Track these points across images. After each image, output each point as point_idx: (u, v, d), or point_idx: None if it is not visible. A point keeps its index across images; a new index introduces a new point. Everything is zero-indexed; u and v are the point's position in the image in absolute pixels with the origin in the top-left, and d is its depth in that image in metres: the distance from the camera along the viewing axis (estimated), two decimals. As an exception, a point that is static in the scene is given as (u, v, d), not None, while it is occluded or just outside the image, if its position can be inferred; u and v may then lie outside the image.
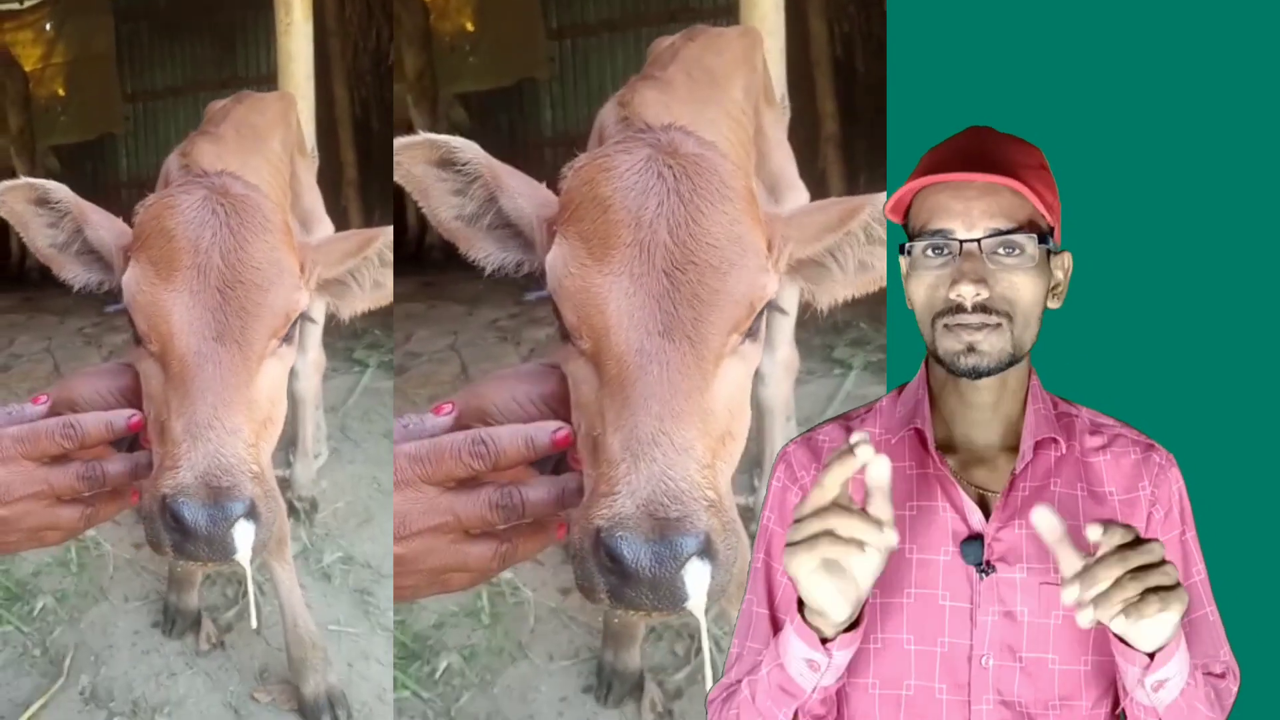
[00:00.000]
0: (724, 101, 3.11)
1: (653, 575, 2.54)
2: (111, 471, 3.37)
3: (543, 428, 2.83)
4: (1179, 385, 2.67)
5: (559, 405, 2.91)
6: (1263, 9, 2.77)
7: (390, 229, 3.51)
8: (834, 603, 1.54)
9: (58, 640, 4.06)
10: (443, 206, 2.92)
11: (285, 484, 3.94)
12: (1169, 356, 2.70)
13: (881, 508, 1.51)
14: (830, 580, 1.52)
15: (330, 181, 4.01)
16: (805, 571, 1.51)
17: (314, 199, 3.89)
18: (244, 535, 3.09)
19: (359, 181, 4.08)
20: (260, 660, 3.91)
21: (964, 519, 1.76)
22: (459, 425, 2.90)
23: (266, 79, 4.10)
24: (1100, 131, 2.74)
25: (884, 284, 2.92)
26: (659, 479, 2.55)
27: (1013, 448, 1.79)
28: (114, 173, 4.38)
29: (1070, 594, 1.48)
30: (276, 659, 3.87)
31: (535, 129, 3.80)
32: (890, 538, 1.49)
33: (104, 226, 3.44)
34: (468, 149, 2.91)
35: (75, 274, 3.47)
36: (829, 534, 1.49)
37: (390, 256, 3.47)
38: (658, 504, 2.54)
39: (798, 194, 3.19)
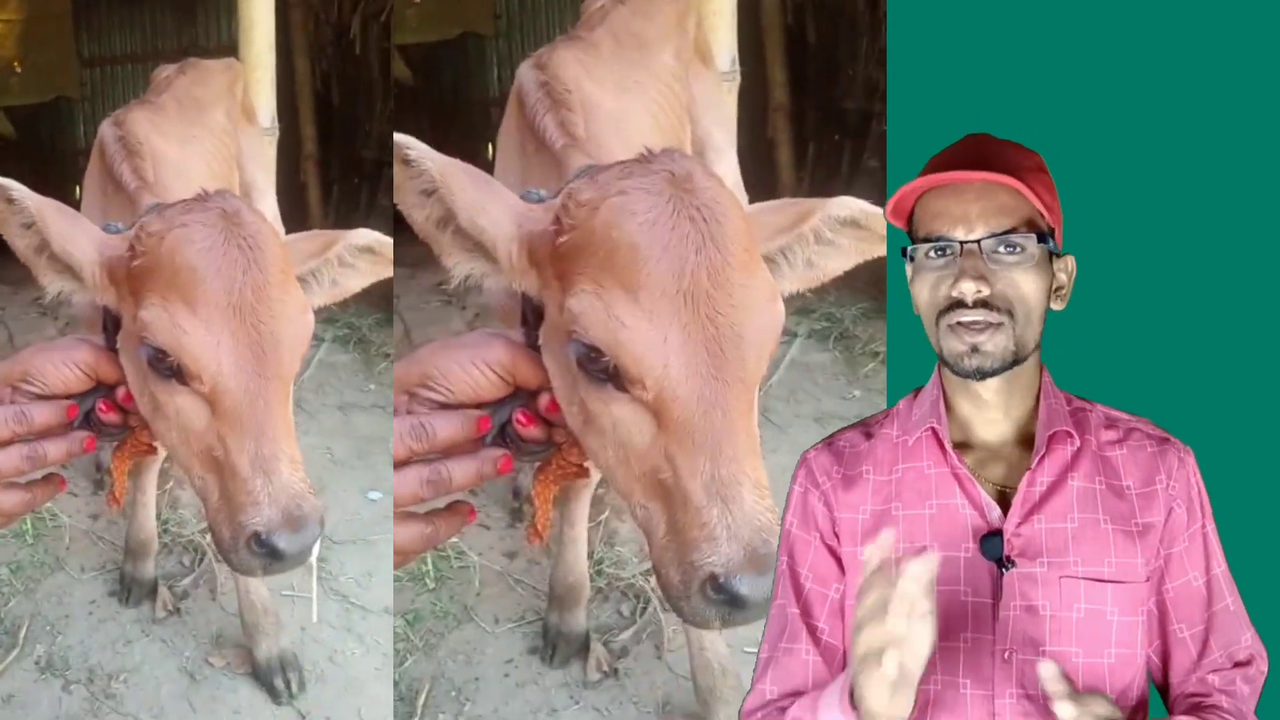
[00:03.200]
0: (653, 66, 3.13)
1: (765, 600, 2.68)
2: (52, 453, 3.51)
3: (490, 458, 2.95)
4: (1190, 380, 2.68)
5: (504, 372, 2.96)
6: (1262, 11, 2.77)
7: (362, 231, 3.52)
8: (906, 707, 1.59)
9: (13, 611, 4.05)
10: (414, 207, 2.92)
11: (241, 454, 3.96)
12: (1178, 353, 2.70)
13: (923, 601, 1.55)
14: (904, 690, 1.57)
15: (289, 155, 4.00)
16: (881, 690, 1.56)
17: (258, 171, 3.88)
18: (316, 544, 3.29)
19: (318, 156, 4.08)
20: (216, 626, 3.94)
21: (983, 515, 1.77)
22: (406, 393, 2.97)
23: (227, 47, 4.09)
24: (1104, 133, 2.74)
25: (884, 285, 3.01)
26: (752, 518, 2.71)
27: (1027, 444, 1.81)
28: (70, 138, 4.32)
29: None
30: (232, 624, 3.90)
31: (480, 87, 3.80)
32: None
33: (75, 239, 3.39)
34: (423, 160, 2.89)
35: (49, 280, 3.45)
36: (891, 643, 1.55)
37: (350, 260, 3.48)
38: (760, 540, 2.71)
39: (725, 160, 3.19)
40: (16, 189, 3.40)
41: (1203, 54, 2.76)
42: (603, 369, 2.75)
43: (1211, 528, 1.86)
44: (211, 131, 3.85)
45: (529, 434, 2.97)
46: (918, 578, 1.53)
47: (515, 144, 3.27)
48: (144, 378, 3.33)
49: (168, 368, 3.22)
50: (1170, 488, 1.81)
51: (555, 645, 3.48)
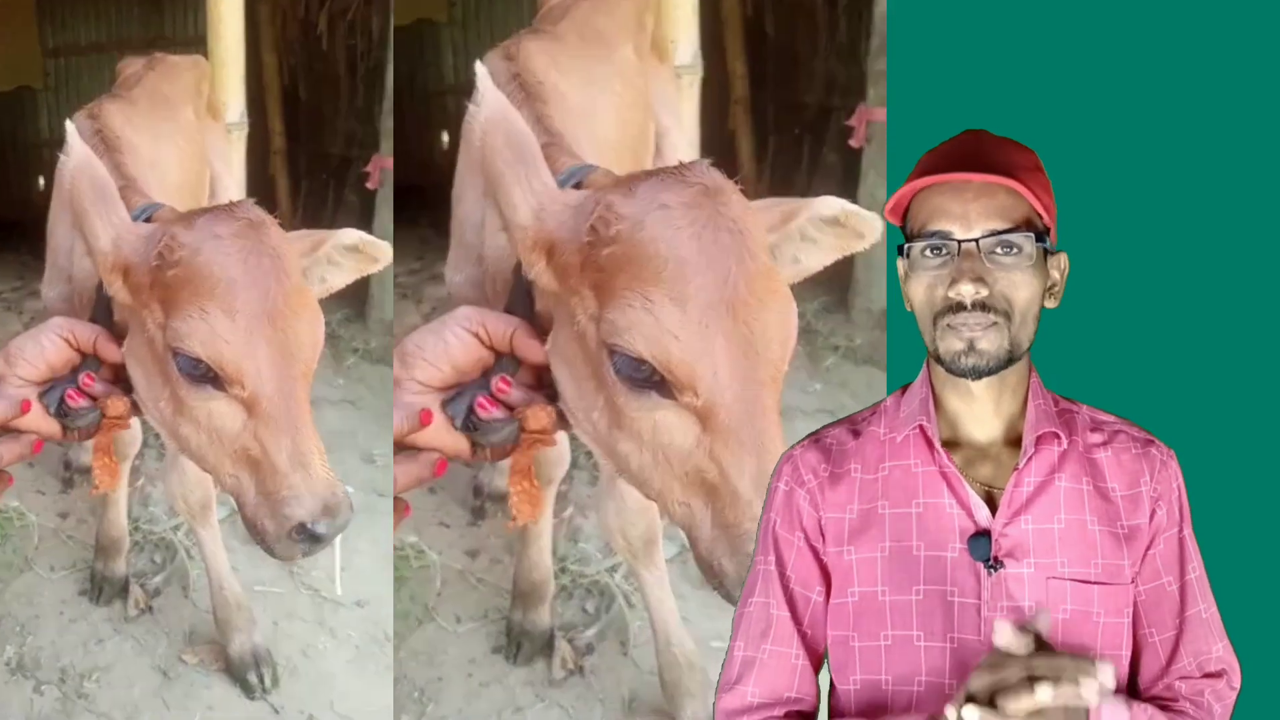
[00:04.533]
0: (616, 60, 3.20)
1: None
2: (5, 455, 3.65)
3: (428, 460, 3.07)
4: (1176, 383, 2.68)
5: (477, 328, 3.06)
6: (1261, 9, 2.76)
7: (349, 231, 3.56)
8: None
9: (-19, 612, 4.08)
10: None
11: (213, 450, 3.99)
12: (1166, 355, 2.71)
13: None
14: None
15: (258, 150, 4.01)
16: None
17: (224, 168, 3.91)
18: None
19: (286, 150, 4.08)
20: (188, 623, 3.96)
21: (970, 515, 1.77)
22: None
23: (194, 40, 4.09)
24: (1097, 131, 2.74)
25: (846, 280, 3.13)
26: None
27: (1015, 444, 1.80)
28: (33, 129, 4.31)
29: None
30: (204, 621, 3.93)
31: (435, 75, 3.80)
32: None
33: (94, 226, 3.47)
34: (481, 98, 2.98)
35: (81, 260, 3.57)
36: None
37: (338, 258, 3.54)
38: None
39: (680, 157, 3.21)
40: (73, 136, 3.54)
41: (1193, 52, 2.76)
42: (646, 378, 2.83)
43: (1189, 532, 1.85)
44: (181, 128, 3.91)
45: (489, 415, 3.04)
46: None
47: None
48: (164, 383, 3.43)
49: (203, 375, 3.32)
50: (1153, 489, 1.81)
51: (519, 643, 3.51)
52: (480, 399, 3.03)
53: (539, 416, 3.04)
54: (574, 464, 3.45)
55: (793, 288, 3.00)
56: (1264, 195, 2.77)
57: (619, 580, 3.48)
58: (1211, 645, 1.86)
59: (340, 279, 3.52)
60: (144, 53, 4.14)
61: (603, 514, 3.39)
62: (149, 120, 3.88)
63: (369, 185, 3.80)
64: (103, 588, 4.04)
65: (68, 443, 3.88)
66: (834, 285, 3.28)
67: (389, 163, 3.81)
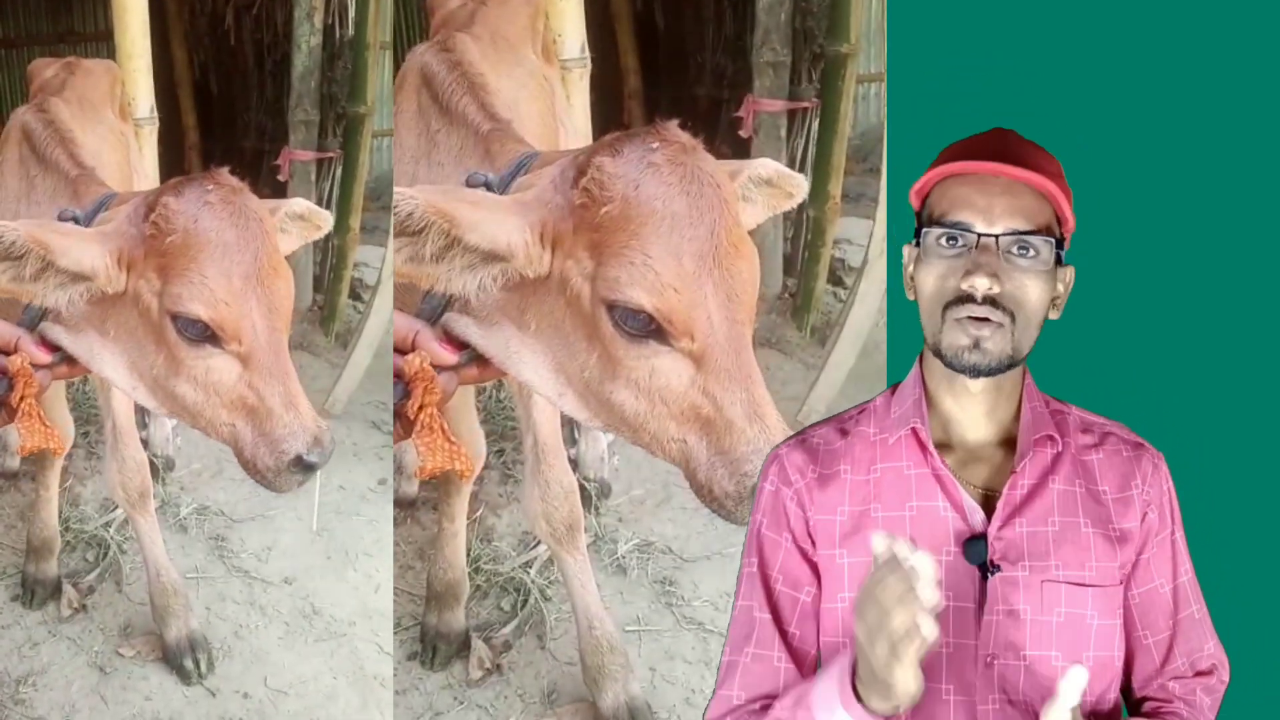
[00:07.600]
0: (524, 62, 3.26)
1: None
2: None
3: None
4: (1164, 385, 2.68)
5: None
6: (1259, 11, 2.75)
7: (298, 200, 3.68)
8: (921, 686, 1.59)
9: (-90, 626, 4.09)
10: (413, 261, 2.96)
11: (144, 443, 4.04)
12: (1156, 357, 2.71)
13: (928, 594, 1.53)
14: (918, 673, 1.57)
15: (173, 145, 4.02)
16: (910, 677, 1.55)
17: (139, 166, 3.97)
18: None
19: (201, 146, 4.11)
20: (124, 617, 4.00)
21: (965, 519, 1.74)
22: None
23: (103, 35, 4.09)
24: (1095, 132, 2.72)
25: (884, 282, 3.17)
26: (777, 430, 2.98)
27: (1007, 446, 1.78)
28: (-58, 124, 4.30)
29: None
30: (139, 613, 3.96)
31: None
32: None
33: (78, 247, 3.47)
34: (411, 202, 2.93)
35: (54, 296, 3.52)
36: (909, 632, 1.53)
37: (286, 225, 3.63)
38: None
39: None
40: (6, 232, 3.46)
41: (1175, 55, 2.75)
42: (644, 328, 2.90)
43: (1180, 535, 1.85)
44: (111, 130, 3.97)
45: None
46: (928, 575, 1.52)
47: (416, 125, 3.41)
48: (157, 349, 3.50)
49: (199, 333, 3.42)
50: (1145, 493, 1.80)
51: (435, 647, 3.54)
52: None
53: (411, 363, 3.13)
54: (484, 464, 3.51)
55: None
56: (1255, 192, 2.76)
57: (534, 575, 3.53)
58: (1203, 644, 1.87)
59: (288, 245, 3.60)
60: (53, 46, 4.14)
61: (526, 500, 3.43)
62: (82, 120, 3.93)
63: (280, 178, 3.84)
64: (35, 591, 4.08)
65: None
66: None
67: (298, 155, 3.86)
